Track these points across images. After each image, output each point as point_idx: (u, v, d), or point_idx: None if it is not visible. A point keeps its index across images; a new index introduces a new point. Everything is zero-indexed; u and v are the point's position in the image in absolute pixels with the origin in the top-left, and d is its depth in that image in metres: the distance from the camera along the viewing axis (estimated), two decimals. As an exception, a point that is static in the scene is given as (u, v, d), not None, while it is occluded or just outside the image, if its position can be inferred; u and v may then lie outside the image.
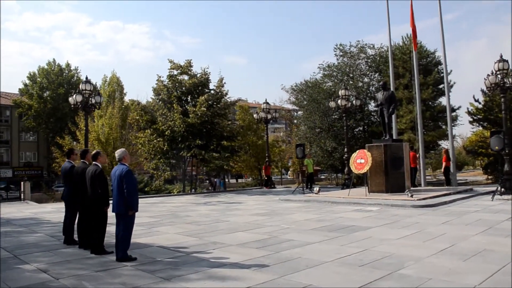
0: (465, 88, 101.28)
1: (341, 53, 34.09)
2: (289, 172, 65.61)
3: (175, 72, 22.94)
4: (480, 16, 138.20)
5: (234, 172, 49.47)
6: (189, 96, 22.68)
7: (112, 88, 42.11)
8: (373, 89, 33.61)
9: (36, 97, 51.02)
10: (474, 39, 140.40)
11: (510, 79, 15.01)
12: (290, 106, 47.09)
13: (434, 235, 7.74)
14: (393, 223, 9.34)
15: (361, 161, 14.49)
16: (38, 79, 52.85)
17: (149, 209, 14.17)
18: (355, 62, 33.87)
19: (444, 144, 32.89)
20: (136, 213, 6.72)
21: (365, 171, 14.46)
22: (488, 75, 15.22)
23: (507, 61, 14.85)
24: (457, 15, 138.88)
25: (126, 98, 42.67)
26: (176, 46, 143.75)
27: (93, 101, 18.60)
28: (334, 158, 33.41)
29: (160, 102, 22.48)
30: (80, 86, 18.58)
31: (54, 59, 54.34)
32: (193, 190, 23.27)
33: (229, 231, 9.08)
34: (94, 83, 51.47)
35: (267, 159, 24.65)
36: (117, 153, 6.84)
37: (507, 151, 14.46)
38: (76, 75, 54.71)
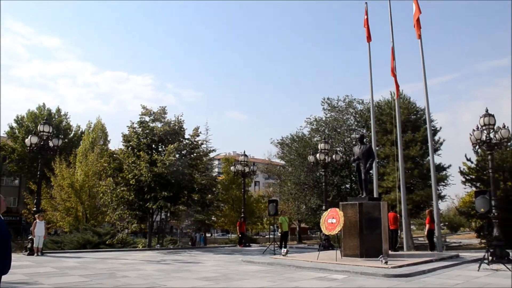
0: (462, 148, 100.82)
1: (328, 107, 33.22)
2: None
3: (147, 119, 21.75)
4: (478, 78, 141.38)
5: (216, 227, 47.35)
6: (160, 145, 21.33)
7: (96, 134, 40.94)
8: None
9: (20, 140, 49.77)
10: (472, 100, 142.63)
11: (497, 135, 13.74)
12: (279, 161, 45.79)
13: (394, 319, 6.10)
14: (352, 298, 7.67)
15: (332, 220, 12.97)
16: (26, 122, 51.86)
17: (90, 266, 12.37)
18: (343, 117, 32.91)
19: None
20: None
21: (336, 232, 12.90)
22: (474, 130, 14.02)
23: (493, 115, 13.69)
24: (456, 76, 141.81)
25: (111, 146, 41.48)
26: (178, 99, 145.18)
27: (51, 144, 17.35)
28: (319, 216, 31.58)
29: (130, 149, 21.09)
30: (38, 128, 17.38)
31: (44, 104, 53.53)
32: (158, 245, 21.31)
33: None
34: (83, 129, 51.07)
35: (242, 215, 22.97)
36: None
37: (495, 213, 12.94)
38: (65, 120, 53.74)
